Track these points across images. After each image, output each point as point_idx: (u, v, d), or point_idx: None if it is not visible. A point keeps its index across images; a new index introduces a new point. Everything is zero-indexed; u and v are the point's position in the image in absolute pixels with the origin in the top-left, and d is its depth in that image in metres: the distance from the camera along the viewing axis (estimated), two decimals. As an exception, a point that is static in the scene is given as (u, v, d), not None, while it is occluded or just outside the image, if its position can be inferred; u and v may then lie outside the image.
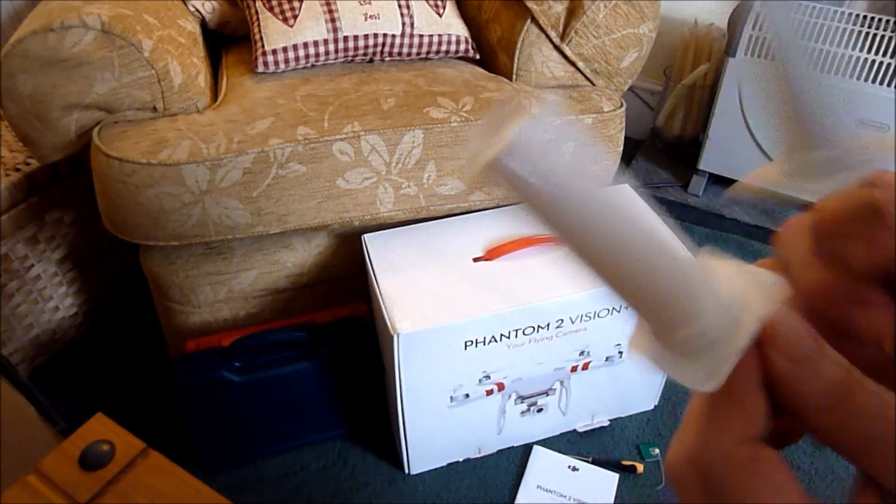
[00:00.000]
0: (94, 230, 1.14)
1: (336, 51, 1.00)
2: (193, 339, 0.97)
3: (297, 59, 0.99)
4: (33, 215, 1.03)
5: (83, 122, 0.87)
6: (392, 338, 0.82)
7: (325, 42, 0.99)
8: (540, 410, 1.01)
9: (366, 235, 0.96)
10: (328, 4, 0.99)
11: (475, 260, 0.91)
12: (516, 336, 0.88)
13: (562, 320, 0.89)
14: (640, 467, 1.01)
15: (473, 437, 1.00)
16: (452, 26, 1.06)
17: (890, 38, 1.17)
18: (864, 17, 1.21)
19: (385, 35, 1.01)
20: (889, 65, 1.17)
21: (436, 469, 1.02)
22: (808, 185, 0.23)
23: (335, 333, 0.96)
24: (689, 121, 1.54)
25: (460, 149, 0.93)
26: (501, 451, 1.05)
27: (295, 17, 0.98)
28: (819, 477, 1.01)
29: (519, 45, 1.00)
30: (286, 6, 0.98)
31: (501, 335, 0.87)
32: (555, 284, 0.87)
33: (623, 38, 0.99)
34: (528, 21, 0.99)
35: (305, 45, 0.98)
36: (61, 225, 1.09)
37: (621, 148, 1.03)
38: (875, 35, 1.19)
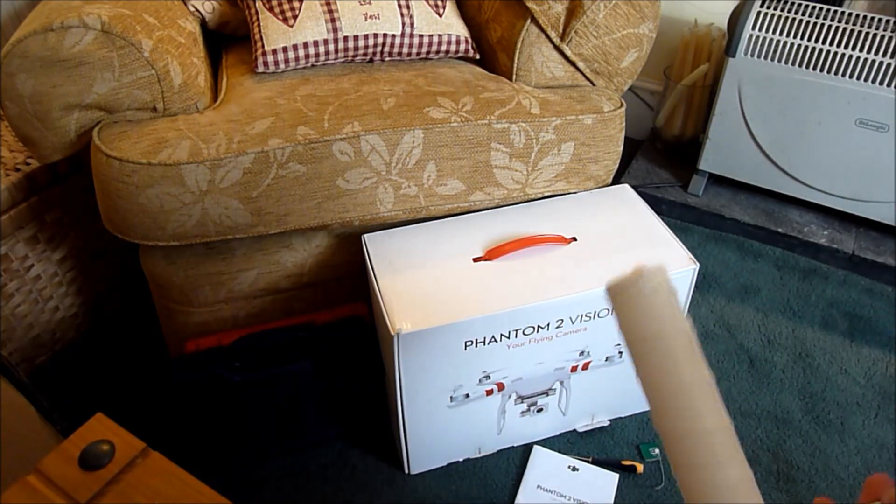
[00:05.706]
0: (94, 230, 1.14)
1: (336, 51, 1.00)
2: (193, 339, 0.97)
3: (297, 59, 0.99)
4: (33, 215, 1.03)
5: (83, 122, 0.87)
6: (392, 338, 0.82)
7: (325, 42, 0.99)
8: (540, 410, 1.01)
9: (366, 235, 0.96)
10: (328, 4, 0.99)
11: (475, 260, 0.91)
12: (516, 336, 0.88)
13: (562, 320, 0.89)
14: (640, 467, 1.02)
15: (473, 437, 1.00)
16: (452, 26, 1.06)
17: (890, 38, 1.17)
18: (864, 17, 1.21)
19: (385, 35, 1.01)
20: (889, 65, 1.17)
21: (436, 469, 1.02)
22: None
23: (335, 333, 0.96)
24: (689, 121, 1.54)
25: (460, 149, 0.93)
26: (501, 451, 1.05)
27: (295, 17, 0.98)
28: (819, 477, 1.01)
29: (519, 45, 1.00)
30: (286, 6, 0.99)
31: (501, 335, 0.87)
32: (555, 284, 0.87)
33: (623, 38, 0.99)
34: (528, 21, 0.99)
35: (305, 45, 0.98)
36: (61, 225, 1.09)
37: (621, 148, 1.03)
38: (875, 35, 1.19)
